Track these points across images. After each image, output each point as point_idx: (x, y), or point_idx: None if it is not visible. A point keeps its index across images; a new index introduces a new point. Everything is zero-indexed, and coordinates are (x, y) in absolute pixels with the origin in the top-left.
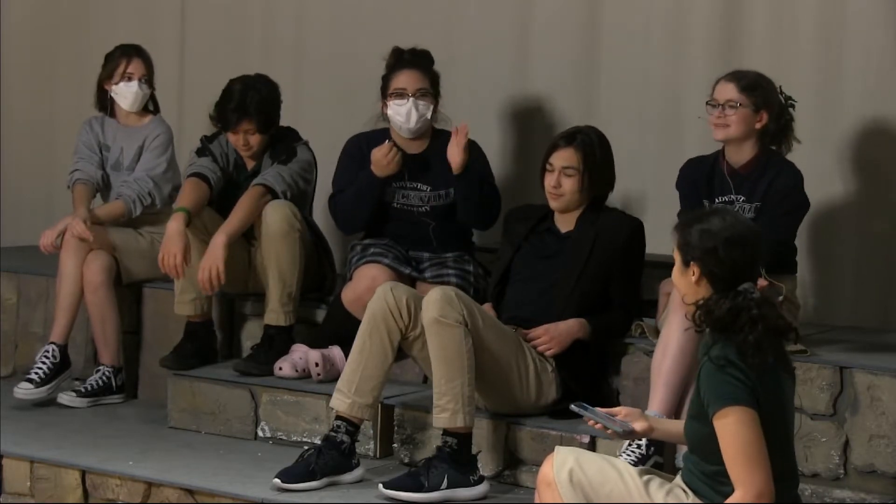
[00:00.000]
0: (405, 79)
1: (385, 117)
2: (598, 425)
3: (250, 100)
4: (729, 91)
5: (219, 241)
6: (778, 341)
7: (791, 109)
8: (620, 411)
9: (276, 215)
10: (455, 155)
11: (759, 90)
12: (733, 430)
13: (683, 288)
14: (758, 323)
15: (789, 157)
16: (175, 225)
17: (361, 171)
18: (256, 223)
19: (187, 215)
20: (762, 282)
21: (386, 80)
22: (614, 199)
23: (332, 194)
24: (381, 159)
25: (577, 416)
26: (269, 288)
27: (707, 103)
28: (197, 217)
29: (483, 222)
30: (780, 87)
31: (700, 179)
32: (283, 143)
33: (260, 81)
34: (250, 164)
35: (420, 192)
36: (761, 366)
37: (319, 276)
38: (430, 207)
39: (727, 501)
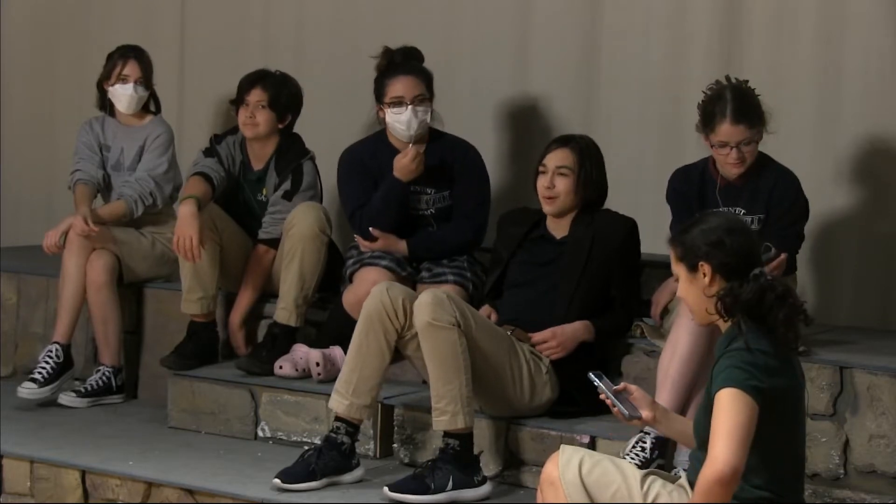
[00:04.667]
0: (402, 86)
1: (381, 121)
2: (609, 401)
3: (269, 77)
4: (741, 133)
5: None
6: (798, 325)
7: None
8: (632, 390)
9: (309, 217)
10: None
11: (762, 116)
12: (726, 407)
13: (696, 294)
14: (785, 298)
15: (786, 159)
16: (187, 209)
17: (382, 182)
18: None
19: (197, 201)
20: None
21: (381, 86)
22: (615, 200)
23: (351, 212)
24: (409, 164)
25: (578, 415)
26: (285, 286)
27: (712, 145)
28: (204, 211)
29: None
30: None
31: (690, 192)
32: (289, 155)
33: (290, 79)
34: (257, 166)
35: (425, 196)
36: (794, 341)
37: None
38: (434, 210)
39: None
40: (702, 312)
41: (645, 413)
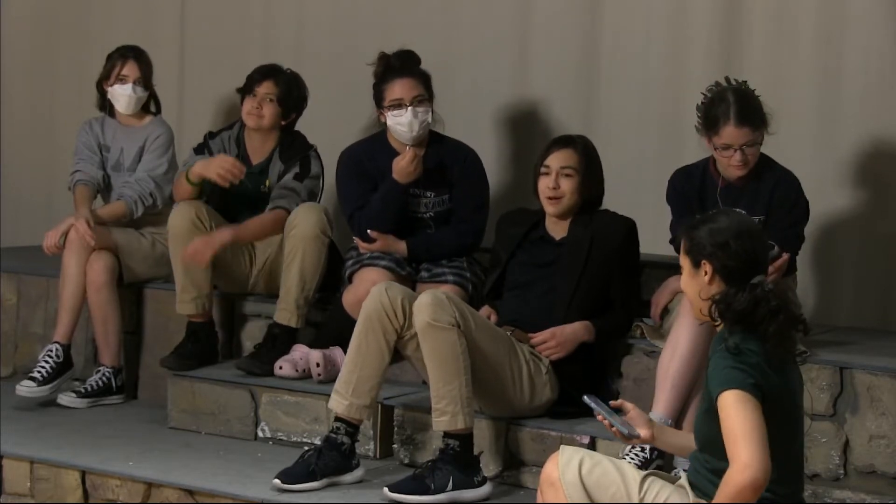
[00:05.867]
0: (400, 88)
1: (381, 124)
2: (606, 421)
3: (282, 74)
4: (745, 135)
5: (225, 235)
6: (793, 336)
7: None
8: (629, 409)
9: (311, 219)
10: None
11: (765, 118)
12: (732, 409)
13: (695, 290)
14: (778, 313)
15: (787, 159)
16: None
17: (382, 183)
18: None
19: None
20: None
21: (379, 90)
22: (614, 200)
23: (350, 214)
24: (407, 166)
25: (578, 415)
26: (285, 287)
27: (715, 147)
28: (197, 211)
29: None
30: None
31: (691, 192)
32: (293, 148)
33: (300, 80)
34: (256, 159)
35: (424, 199)
36: (784, 354)
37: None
38: (433, 213)
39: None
40: (699, 308)
41: (643, 432)
